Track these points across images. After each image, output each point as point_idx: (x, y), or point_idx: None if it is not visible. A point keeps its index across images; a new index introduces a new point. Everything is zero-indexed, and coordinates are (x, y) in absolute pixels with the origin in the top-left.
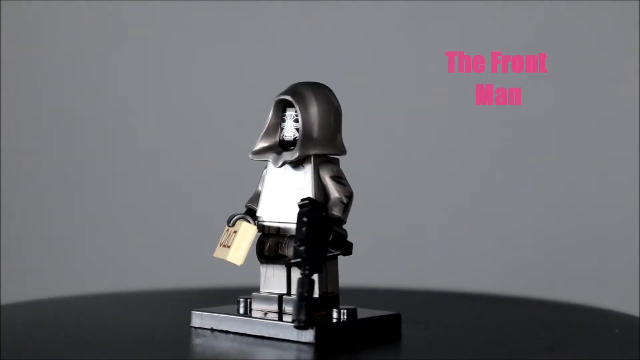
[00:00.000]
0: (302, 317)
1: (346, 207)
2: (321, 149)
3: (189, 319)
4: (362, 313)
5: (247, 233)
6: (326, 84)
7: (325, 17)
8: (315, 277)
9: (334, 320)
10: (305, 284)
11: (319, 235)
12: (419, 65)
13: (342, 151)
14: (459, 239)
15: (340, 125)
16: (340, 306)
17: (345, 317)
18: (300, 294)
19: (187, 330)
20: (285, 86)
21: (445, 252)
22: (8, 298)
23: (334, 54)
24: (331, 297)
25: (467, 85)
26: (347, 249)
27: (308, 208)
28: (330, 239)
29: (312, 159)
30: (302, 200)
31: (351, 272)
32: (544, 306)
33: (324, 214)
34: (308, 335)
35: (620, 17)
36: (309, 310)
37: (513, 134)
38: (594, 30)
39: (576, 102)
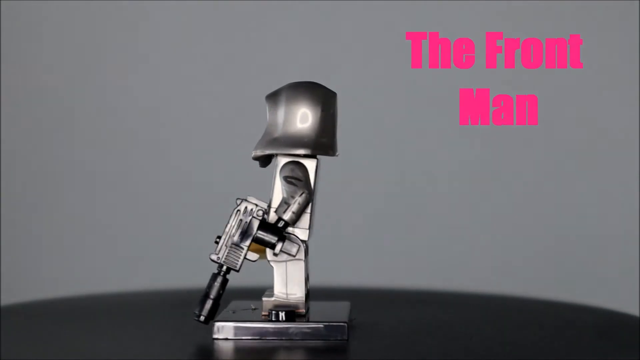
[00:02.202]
0: (202, 313)
1: (290, 208)
2: (281, 149)
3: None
4: (311, 317)
5: None
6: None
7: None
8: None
9: (273, 320)
10: (216, 281)
11: (240, 234)
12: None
13: (319, 152)
14: (457, 239)
15: (320, 126)
16: (285, 308)
17: (283, 318)
18: (205, 289)
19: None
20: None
21: (445, 252)
22: (8, 298)
23: (333, 55)
24: (292, 298)
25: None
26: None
27: (235, 207)
28: (254, 238)
29: (277, 158)
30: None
31: (349, 272)
32: (543, 306)
33: (263, 215)
34: (214, 332)
35: None
36: (214, 306)
37: (512, 135)
38: None
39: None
